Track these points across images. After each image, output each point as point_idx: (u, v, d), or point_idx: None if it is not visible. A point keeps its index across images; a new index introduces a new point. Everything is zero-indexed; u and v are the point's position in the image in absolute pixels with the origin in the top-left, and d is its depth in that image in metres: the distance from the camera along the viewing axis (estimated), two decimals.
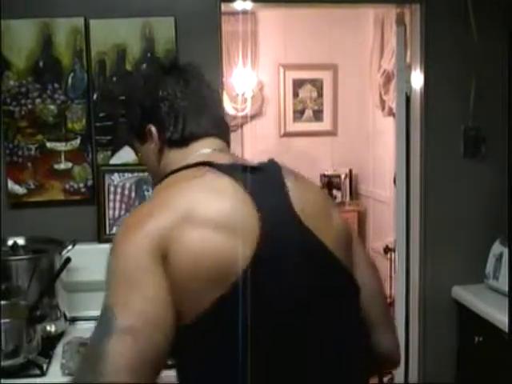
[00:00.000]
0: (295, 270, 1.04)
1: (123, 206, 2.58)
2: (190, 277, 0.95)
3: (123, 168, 2.59)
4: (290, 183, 1.14)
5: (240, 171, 1.09)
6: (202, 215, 0.99)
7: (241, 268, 0.96)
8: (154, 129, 1.22)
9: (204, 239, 0.97)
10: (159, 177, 1.20)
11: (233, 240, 0.98)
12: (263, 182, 1.11)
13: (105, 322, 0.94)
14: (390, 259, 4.08)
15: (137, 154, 1.35)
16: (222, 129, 1.26)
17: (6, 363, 1.86)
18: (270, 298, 1.00)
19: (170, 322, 0.94)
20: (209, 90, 1.29)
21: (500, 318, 2.40)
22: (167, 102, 1.21)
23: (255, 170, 1.13)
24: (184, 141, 1.20)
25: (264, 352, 0.98)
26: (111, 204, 2.57)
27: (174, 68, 1.30)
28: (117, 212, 2.57)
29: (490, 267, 2.73)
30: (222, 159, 1.14)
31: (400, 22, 2.94)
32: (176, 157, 1.20)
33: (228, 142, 1.27)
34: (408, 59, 2.91)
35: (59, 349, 2.09)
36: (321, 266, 1.09)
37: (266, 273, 1.00)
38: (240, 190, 1.05)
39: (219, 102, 1.34)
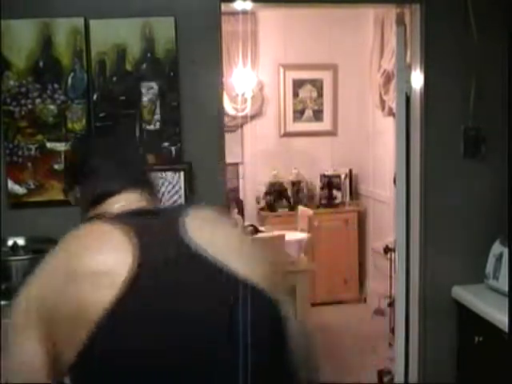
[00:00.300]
0: (178, 311, 1.05)
1: None
2: (59, 324, 1.04)
3: None
4: (192, 225, 1.16)
5: (131, 218, 1.17)
6: (74, 268, 1.09)
7: (99, 313, 1.00)
8: (78, 190, 1.36)
9: (67, 290, 1.06)
10: None
11: (93, 287, 1.03)
12: (152, 225, 1.17)
13: None
14: (390, 259, 4.08)
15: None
16: (139, 182, 1.32)
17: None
18: (136, 346, 1.01)
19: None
20: (129, 147, 1.44)
21: (500, 318, 2.40)
22: (87, 166, 1.34)
23: (149, 214, 1.21)
24: (98, 200, 1.31)
25: None
26: None
27: (99, 139, 1.49)
28: None
29: (489, 267, 2.73)
30: (124, 209, 1.24)
31: (400, 21, 2.94)
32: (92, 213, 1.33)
33: (150, 190, 1.33)
34: (408, 59, 2.91)
35: None
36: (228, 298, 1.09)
37: (134, 315, 1.02)
38: (116, 237, 1.10)
39: (140, 157, 1.49)
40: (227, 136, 2.83)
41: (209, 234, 1.18)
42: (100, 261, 1.08)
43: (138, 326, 1.02)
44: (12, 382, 1.05)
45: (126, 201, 1.28)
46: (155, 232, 1.15)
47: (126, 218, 1.18)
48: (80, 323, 1.01)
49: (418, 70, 2.83)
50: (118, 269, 1.05)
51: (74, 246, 1.19)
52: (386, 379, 3.62)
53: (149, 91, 2.59)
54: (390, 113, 4.44)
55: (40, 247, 2.31)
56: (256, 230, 4.08)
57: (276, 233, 4.05)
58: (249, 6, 2.85)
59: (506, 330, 2.30)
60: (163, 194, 2.60)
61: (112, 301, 1.01)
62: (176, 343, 1.03)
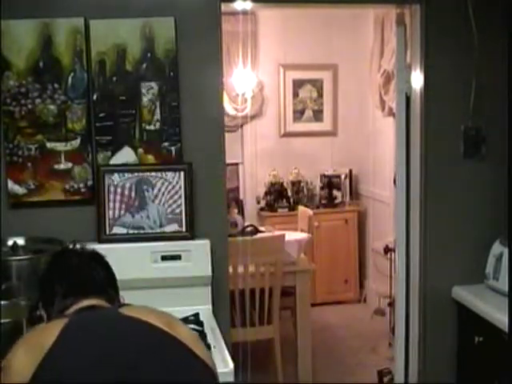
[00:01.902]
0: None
1: (123, 206, 2.58)
2: None
3: (123, 168, 2.59)
4: (125, 310, 1.40)
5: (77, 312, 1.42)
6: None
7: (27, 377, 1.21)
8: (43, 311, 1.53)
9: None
10: None
11: (27, 357, 1.27)
12: (90, 313, 1.41)
13: None
14: (390, 259, 4.08)
15: None
16: (95, 290, 1.52)
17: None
18: None
19: None
20: (87, 264, 1.59)
21: (500, 318, 2.40)
22: (46, 289, 1.54)
23: (93, 308, 1.44)
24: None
25: None
26: (111, 204, 2.57)
27: (55, 255, 1.64)
28: (117, 212, 2.57)
29: (489, 267, 2.73)
30: (76, 310, 1.44)
31: (400, 21, 2.94)
32: None
33: (107, 295, 1.53)
34: (408, 59, 2.91)
35: None
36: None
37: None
38: (58, 323, 1.31)
39: (102, 271, 1.60)
40: (227, 136, 2.83)
41: (142, 313, 1.39)
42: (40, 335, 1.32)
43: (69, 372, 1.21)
44: None
45: (76, 307, 1.46)
46: (91, 315, 1.40)
47: (70, 313, 1.42)
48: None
49: (418, 70, 2.83)
50: (48, 340, 1.26)
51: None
52: (386, 379, 3.62)
53: (149, 91, 2.59)
54: (390, 113, 4.45)
55: (40, 247, 2.31)
56: (256, 230, 4.07)
57: (276, 233, 4.05)
58: (249, 5, 2.85)
59: (506, 330, 2.31)
60: (163, 194, 2.60)
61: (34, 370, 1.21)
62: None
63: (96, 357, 1.24)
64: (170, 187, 2.60)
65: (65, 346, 1.26)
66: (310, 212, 4.63)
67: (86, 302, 1.47)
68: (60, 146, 2.57)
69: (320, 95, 5.64)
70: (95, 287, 1.54)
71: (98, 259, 1.65)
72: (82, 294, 1.49)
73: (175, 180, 2.60)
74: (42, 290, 1.57)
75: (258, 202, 5.52)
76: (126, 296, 2.51)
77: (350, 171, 5.53)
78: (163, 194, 2.60)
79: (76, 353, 1.25)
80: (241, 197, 5.50)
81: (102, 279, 1.59)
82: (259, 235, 3.99)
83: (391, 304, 4.09)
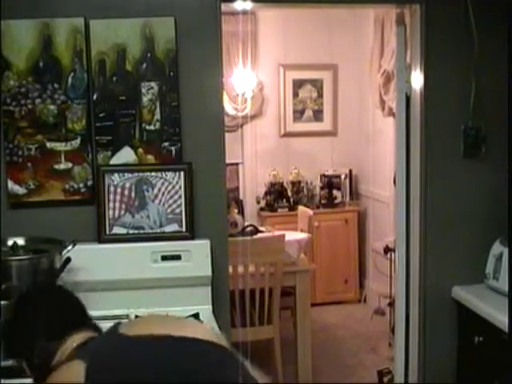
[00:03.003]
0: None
1: (123, 206, 2.58)
2: None
3: (123, 168, 2.59)
4: (124, 327, 1.39)
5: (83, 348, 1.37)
6: None
7: None
8: (23, 364, 1.47)
9: None
10: None
11: None
12: (96, 343, 1.39)
13: None
14: (390, 259, 4.08)
15: None
16: (79, 323, 1.48)
17: (5, 363, 1.85)
18: None
19: None
20: (60, 299, 1.54)
21: (500, 318, 2.40)
22: (20, 339, 1.46)
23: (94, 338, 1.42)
24: (47, 364, 1.41)
25: None
26: (111, 204, 2.57)
27: (18, 302, 1.54)
28: (117, 212, 2.57)
29: (490, 267, 2.73)
30: (77, 347, 1.40)
31: (400, 21, 2.94)
32: None
33: (90, 324, 1.50)
34: (408, 59, 2.91)
35: None
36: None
37: None
38: (73, 364, 1.29)
39: (74, 304, 1.55)
40: (227, 136, 2.83)
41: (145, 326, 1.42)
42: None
43: None
44: None
45: (70, 345, 1.41)
46: (100, 344, 1.38)
47: (78, 353, 1.36)
48: None
49: (418, 70, 2.83)
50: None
51: None
52: (386, 379, 3.62)
53: (149, 91, 2.59)
54: (390, 113, 4.44)
55: (40, 247, 2.31)
56: (256, 230, 4.07)
57: (276, 233, 4.05)
58: (249, 5, 2.85)
59: (506, 330, 2.31)
60: (163, 194, 2.60)
61: None
62: None
63: None
64: (169, 187, 2.60)
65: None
66: (310, 212, 4.63)
67: (78, 337, 1.42)
68: (60, 146, 2.57)
69: (320, 95, 5.63)
70: (77, 320, 1.49)
71: (64, 292, 1.59)
72: (67, 331, 1.43)
73: (175, 180, 2.60)
74: (15, 341, 1.48)
75: (258, 202, 5.52)
76: (126, 296, 2.52)
77: (350, 171, 5.53)
78: (163, 194, 2.60)
79: None
80: (241, 197, 5.50)
81: (80, 310, 1.54)
82: (259, 235, 3.99)
83: (391, 304, 4.09)
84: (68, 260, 2.16)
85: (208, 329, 1.45)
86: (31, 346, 1.43)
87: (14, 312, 1.52)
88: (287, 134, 5.62)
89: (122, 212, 2.58)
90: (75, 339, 1.41)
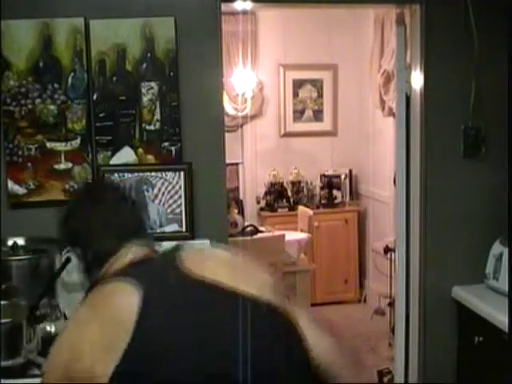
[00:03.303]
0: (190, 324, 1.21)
1: None
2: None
3: (123, 168, 2.59)
4: (185, 260, 1.31)
5: (136, 269, 1.30)
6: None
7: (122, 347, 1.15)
8: (77, 252, 1.43)
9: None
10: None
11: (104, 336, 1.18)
12: (155, 271, 1.32)
13: None
14: (390, 259, 4.08)
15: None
16: (138, 233, 1.42)
17: (5, 363, 1.85)
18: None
19: None
20: (125, 202, 1.47)
21: (500, 318, 2.40)
22: (82, 229, 1.41)
23: (151, 261, 1.35)
24: (100, 262, 1.38)
25: None
26: None
27: (87, 192, 1.55)
28: None
29: (490, 267, 2.73)
30: (132, 264, 1.34)
31: (400, 21, 2.94)
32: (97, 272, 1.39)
33: (146, 240, 1.43)
34: (408, 59, 2.91)
35: None
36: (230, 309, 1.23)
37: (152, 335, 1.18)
38: (128, 293, 1.22)
39: (137, 210, 1.49)
40: (227, 136, 2.83)
41: (208, 264, 1.34)
42: (117, 312, 1.21)
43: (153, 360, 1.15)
44: None
45: (125, 256, 1.36)
46: (158, 276, 1.30)
47: (132, 272, 1.29)
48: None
49: (418, 70, 2.83)
50: (128, 317, 1.18)
51: (100, 304, 1.27)
52: (386, 379, 3.62)
53: (149, 91, 2.59)
54: (390, 113, 4.44)
55: (40, 247, 2.31)
56: (256, 230, 4.07)
57: (276, 233, 4.05)
58: (249, 5, 2.85)
59: (506, 330, 2.30)
60: (163, 194, 2.60)
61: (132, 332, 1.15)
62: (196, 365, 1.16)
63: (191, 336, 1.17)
64: (170, 187, 2.60)
65: (152, 326, 1.17)
66: (310, 212, 4.63)
67: (135, 250, 1.37)
68: (60, 146, 2.57)
69: (320, 95, 5.63)
70: (137, 229, 1.43)
71: (129, 198, 1.52)
72: (125, 237, 1.38)
73: (175, 180, 2.60)
74: (74, 228, 1.43)
75: (258, 202, 5.52)
76: None
77: (350, 171, 5.53)
78: (163, 194, 2.60)
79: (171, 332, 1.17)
80: (241, 197, 5.50)
81: (140, 220, 1.47)
82: (259, 235, 3.99)
83: (391, 304, 4.09)
84: (68, 260, 2.15)
85: (271, 281, 1.35)
86: (88, 236, 1.40)
87: (77, 200, 1.53)
88: (287, 134, 5.62)
89: None
90: (131, 251, 1.37)
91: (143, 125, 2.60)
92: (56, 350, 1.24)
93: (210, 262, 1.37)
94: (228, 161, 2.83)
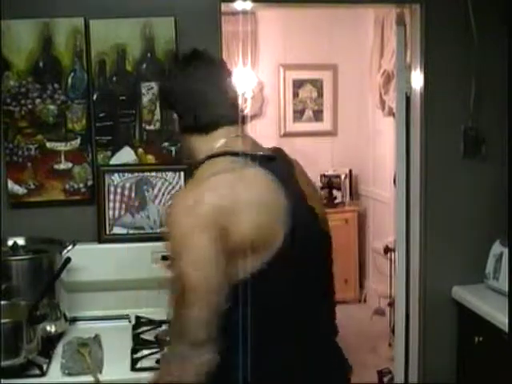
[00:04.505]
0: (315, 240, 1.46)
1: (123, 206, 2.58)
2: (244, 245, 1.28)
3: (123, 168, 2.59)
4: (296, 170, 1.51)
5: (261, 161, 1.39)
6: (245, 201, 1.32)
7: (279, 242, 1.31)
8: (175, 116, 1.48)
9: (251, 219, 1.31)
10: (192, 162, 1.47)
11: (270, 220, 1.33)
12: (280, 171, 1.42)
13: None
14: (390, 259, 4.08)
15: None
16: (237, 114, 1.50)
17: (5, 363, 1.85)
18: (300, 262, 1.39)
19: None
20: (225, 76, 1.52)
21: (500, 318, 2.40)
22: (188, 92, 1.45)
23: (271, 159, 1.44)
24: (202, 129, 1.44)
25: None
26: (111, 204, 2.57)
27: (194, 58, 1.54)
28: (117, 212, 2.57)
29: (490, 267, 2.73)
30: (242, 146, 1.42)
31: (400, 21, 2.94)
32: (199, 144, 1.46)
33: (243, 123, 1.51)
34: (408, 59, 2.91)
35: (59, 349, 2.09)
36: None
37: (297, 245, 1.35)
38: (268, 180, 1.35)
39: (233, 86, 1.56)
40: None
41: (304, 178, 1.55)
42: (266, 200, 1.35)
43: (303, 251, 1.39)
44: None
45: (227, 136, 1.44)
46: (285, 180, 1.41)
47: (261, 162, 1.39)
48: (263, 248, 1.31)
49: (418, 70, 2.83)
50: (280, 208, 1.34)
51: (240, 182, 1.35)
52: (385, 379, 3.62)
53: (149, 91, 2.59)
54: (390, 113, 4.44)
55: (40, 247, 2.31)
56: None
57: None
58: (249, 5, 2.84)
59: (506, 330, 2.31)
60: (163, 194, 2.60)
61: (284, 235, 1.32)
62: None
63: None
64: (170, 187, 2.60)
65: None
66: None
67: (232, 130, 1.46)
68: (60, 146, 2.57)
69: (320, 95, 5.63)
70: (232, 114, 1.49)
71: (229, 80, 1.56)
72: (221, 118, 1.45)
73: (175, 180, 2.60)
74: (173, 93, 1.48)
75: None
76: (126, 296, 2.52)
77: (350, 171, 5.53)
78: (163, 194, 2.60)
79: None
80: None
81: (236, 105, 1.53)
82: None
83: (391, 304, 4.09)
84: (68, 260, 2.15)
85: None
86: (188, 102, 1.44)
87: (178, 65, 1.58)
88: (287, 134, 5.62)
89: (122, 212, 2.58)
90: (229, 131, 1.45)
91: (143, 125, 2.60)
92: None
93: (309, 190, 1.57)
94: None
